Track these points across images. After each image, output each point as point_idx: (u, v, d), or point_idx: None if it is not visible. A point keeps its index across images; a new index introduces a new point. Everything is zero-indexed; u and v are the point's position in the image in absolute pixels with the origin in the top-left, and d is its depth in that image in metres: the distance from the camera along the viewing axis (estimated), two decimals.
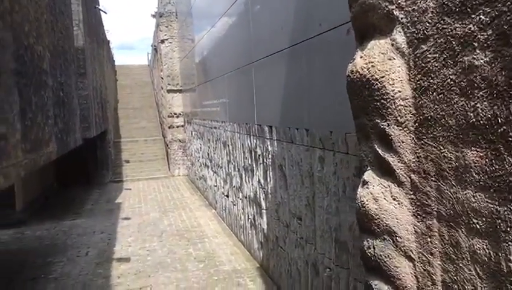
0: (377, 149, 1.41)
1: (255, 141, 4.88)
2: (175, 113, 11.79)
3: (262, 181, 4.75)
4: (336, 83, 2.81)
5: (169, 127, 11.98)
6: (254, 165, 5.02)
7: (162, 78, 12.20)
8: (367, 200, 1.46)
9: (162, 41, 11.49)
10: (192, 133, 10.46)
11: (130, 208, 8.96)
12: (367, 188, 1.46)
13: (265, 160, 4.54)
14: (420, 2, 1.23)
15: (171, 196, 10.00)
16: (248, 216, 5.56)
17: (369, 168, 1.47)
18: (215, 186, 7.81)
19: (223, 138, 6.78)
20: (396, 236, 1.38)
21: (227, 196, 6.84)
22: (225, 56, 6.33)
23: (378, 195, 1.42)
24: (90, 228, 7.51)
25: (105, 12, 10.83)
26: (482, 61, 1.06)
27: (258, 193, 4.95)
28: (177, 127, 11.92)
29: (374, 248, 1.48)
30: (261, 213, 4.87)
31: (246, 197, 5.61)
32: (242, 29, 5.16)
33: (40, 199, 9.49)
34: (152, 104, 18.42)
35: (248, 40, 4.95)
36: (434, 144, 1.22)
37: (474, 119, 1.09)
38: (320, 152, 3.15)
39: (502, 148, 1.03)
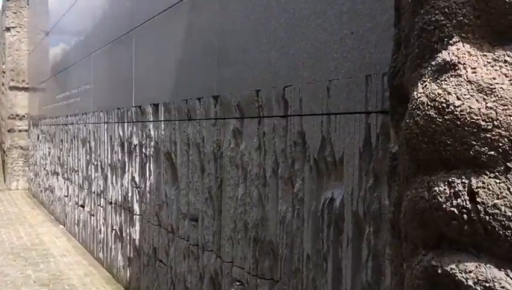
0: None
1: (130, 128, 3.90)
2: (17, 115, 10.03)
3: (137, 179, 3.77)
4: (270, 19, 2.07)
5: (8, 131, 10.14)
6: (127, 160, 4.01)
7: (4, 73, 10.37)
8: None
9: (8, 29, 9.77)
10: (38, 137, 8.89)
11: None
12: None
13: (144, 150, 3.59)
14: None
15: (5, 210, 8.29)
16: (112, 227, 4.47)
17: None
18: (66, 196, 6.50)
19: (82, 134, 5.59)
20: None
21: (83, 206, 5.62)
22: (90, 33, 5.25)
23: None
24: None
25: None
26: None
27: (129, 195, 3.94)
28: (20, 131, 10.15)
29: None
30: (133, 220, 3.86)
31: (110, 203, 4.53)
32: None
33: None
34: None
35: (126, 4, 4.01)
36: None
37: None
38: (237, 123, 2.35)
39: None
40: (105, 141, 4.63)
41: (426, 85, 0.82)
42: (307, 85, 1.84)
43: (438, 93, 0.78)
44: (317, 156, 1.79)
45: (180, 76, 3.05)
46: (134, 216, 3.82)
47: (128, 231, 3.99)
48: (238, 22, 2.35)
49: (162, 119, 3.24)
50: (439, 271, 0.79)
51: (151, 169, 3.45)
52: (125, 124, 4.02)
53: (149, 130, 3.48)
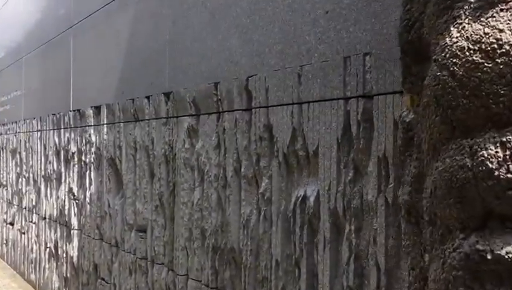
0: None
1: (67, 134, 3.57)
2: None
3: (75, 189, 3.44)
4: (229, 3, 1.89)
5: None
6: (63, 170, 3.67)
7: None
8: None
9: None
10: None
11: None
12: None
13: (84, 158, 3.28)
14: None
15: None
16: (46, 245, 4.08)
17: None
18: None
19: (11, 144, 5.14)
20: None
21: (12, 224, 5.14)
22: (20, 36, 4.86)
23: None
24: None
25: None
26: None
27: (66, 208, 3.59)
28: None
29: None
30: (70, 236, 3.52)
31: (44, 219, 4.13)
32: None
33: None
34: None
35: (61, 1, 3.71)
36: None
37: None
38: (192, 121, 2.14)
39: None
40: (39, 150, 4.24)
41: (464, 27, 0.66)
42: (273, 73, 1.67)
43: (485, 33, 0.63)
44: (287, 150, 1.62)
45: (126, 74, 2.80)
46: (72, 231, 3.48)
47: (64, 247, 3.63)
48: (193, 8, 2.16)
49: (105, 122, 2.97)
50: (489, 257, 0.63)
51: (92, 178, 3.15)
52: (62, 130, 3.69)
53: (89, 135, 3.18)
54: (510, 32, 0.62)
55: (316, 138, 1.51)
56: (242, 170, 1.83)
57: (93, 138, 3.14)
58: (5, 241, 5.46)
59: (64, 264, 3.62)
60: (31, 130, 4.47)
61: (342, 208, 1.43)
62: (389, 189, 1.30)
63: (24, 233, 4.72)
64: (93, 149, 3.13)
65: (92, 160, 3.15)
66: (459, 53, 0.66)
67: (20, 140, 4.81)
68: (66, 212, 3.59)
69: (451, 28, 0.69)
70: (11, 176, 5.21)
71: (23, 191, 4.72)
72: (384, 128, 1.30)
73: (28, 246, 4.56)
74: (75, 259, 3.42)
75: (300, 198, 1.58)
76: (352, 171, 1.42)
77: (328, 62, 1.47)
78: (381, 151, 1.31)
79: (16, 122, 5.00)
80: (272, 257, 1.67)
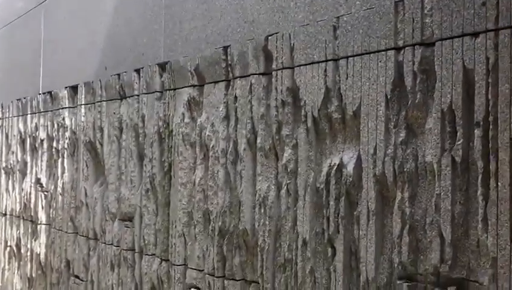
0: None
1: (35, 120, 3.25)
2: None
3: (43, 180, 3.12)
4: None
5: None
6: (29, 160, 3.33)
7: None
8: None
9: None
10: None
11: None
12: None
13: (55, 144, 2.97)
14: None
15: None
16: (6, 244, 3.70)
17: None
18: None
19: None
20: None
21: None
22: None
23: None
24: None
25: None
26: None
27: (32, 201, 3.26)
28: None
29: None
30: (36, 232, 3.18)
31: (4, 215, 3.76)
32: None
33: None
34: None
35: None
36: None
37: None
38: (193, 92, 1.91)
39: None
40: None
41: None
42: (301, 29, 1.48)
43: None
44: (318, 114, 1.43)
45: (110, 47, 2.54)
46: (39, 226, 3.15)
47: (29, 245, 3.29)
48: None
49: (83, 102, 2.69)
50: None
51: (65, 166, 2.85)
52: (28, 116, 3.36)
53: (63, 118, 2.88)
54: None
55: (358, 96, 1.33)
56: (258, 141, 1.63)
57: (67, 122, 2.84)
58: None
59: (29, 264, 3.28)
60: None
61: (392, 173, 1.24)
62: (456, 146, 1.13)
63: None
64: (67, 134, 2.84)
65: (66, 146, 2.85)
66: None
67: None
68: (32, 205, 3.25)
69: None
70: None
71: None
72: (450, 78, 1.14)
73: None
74: (42, 257, 3.09)
75: (335, 167, 1.38)
76: (404, 131, 1.24)
77: (373, 9, 1.30)
78: (446, 104, 1.14)
79: None
80: (298, 236, 1.47)
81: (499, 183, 1.04)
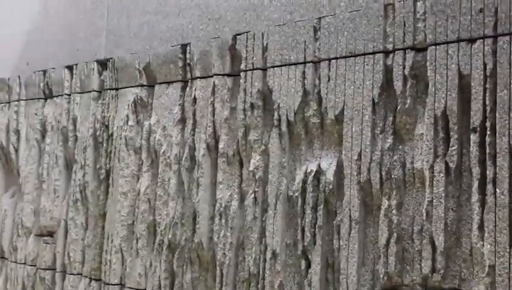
0: None
1: None
2: None
3: None
4: None
5: None
6: None
7: None
8: None
9: None
10: None
11: None
12: None
13: None
14: None
15: None
16: None
17: None
18: None
19: None
20: None
21: None
22: None
23: None
24: None
25: None
26: None
27: None
28: None
29: None
30: None
31: None
32: None
33: None
34: None
35: None
36: None
37: None
38: (141, 92, 1.74)
39: None
40: None
41: None
42: (276, 28, 1.41)
43: None
44: (294, 118, 1.35)
45: (35, 40, 2.27)
46: None
47: None
48: None
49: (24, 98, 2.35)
50: None
51: None
52: None
53: None
54: None
55: (341, 100, 1.27)
56: (220, 146, 1.51)
57: None
58: None
59: None
60: None
61: (378, 180, 1.20)
62: (450, 152, 1.11)
63: None
64: None
65: None
66: None
67: None
68: None
69: None
70: None
71: None
72: (444, 83, 1.13)
73: None
74: None
75: (312, 174, 1.31)
76: (391, 136, 1.21)
77: (359, 11, 1.27)
78: (440, 109, 1.12)
79: None
80: (267, 248, 1.36)
81: (497, 190, 1.03)
